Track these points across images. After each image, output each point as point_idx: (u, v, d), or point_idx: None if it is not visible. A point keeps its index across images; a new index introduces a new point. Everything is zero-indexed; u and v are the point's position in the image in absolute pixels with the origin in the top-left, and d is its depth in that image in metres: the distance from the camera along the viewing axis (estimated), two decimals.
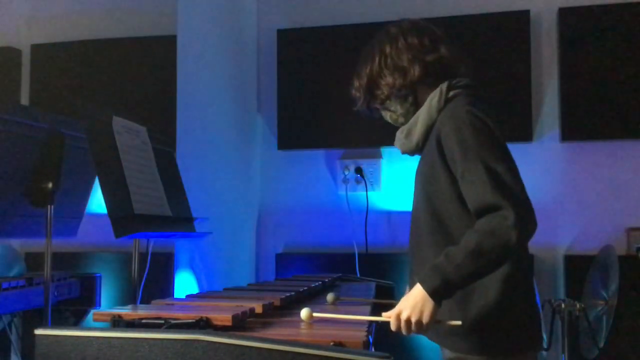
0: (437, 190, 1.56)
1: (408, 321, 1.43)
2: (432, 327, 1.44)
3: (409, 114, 1.67)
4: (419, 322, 1.42)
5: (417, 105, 1.66)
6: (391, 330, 1.47)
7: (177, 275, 3.04)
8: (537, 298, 2.03)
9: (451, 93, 1.61)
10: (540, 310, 2.31)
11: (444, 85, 1.61)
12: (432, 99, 1.61)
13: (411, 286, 1.67)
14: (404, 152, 1.73)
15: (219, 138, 3.14)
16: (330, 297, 1.84)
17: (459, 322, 1.46)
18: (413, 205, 1.68)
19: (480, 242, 1.40)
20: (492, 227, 1.40)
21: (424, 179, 1.62)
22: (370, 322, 1.51)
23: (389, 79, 1.65)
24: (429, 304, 1.42)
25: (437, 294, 1.42)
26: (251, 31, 3.43)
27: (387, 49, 1.67)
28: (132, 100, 3.56)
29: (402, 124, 1.71)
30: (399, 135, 1.72)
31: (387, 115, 1.73)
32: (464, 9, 3.31)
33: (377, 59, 1.68)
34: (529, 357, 1.58)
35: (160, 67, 3.53)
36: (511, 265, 1.50)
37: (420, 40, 1.65)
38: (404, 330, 1.44)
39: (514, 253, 1.43)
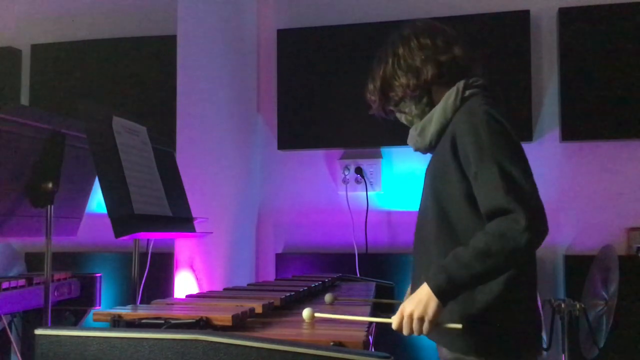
0: (447, 189, 1.54)
1: (410, 316, 1.41)
2: (433, 329, 1.43)
3: (424, 115, 1.66)
4: (421, 318, 1.40)
5: (432, 105, 1.65)
6: (392, 330, 1.45)
7: (177, 275, 3.04)
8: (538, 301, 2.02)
9: (468, 92, 1.59)
10: (541, 312, 2.30)
11: (460, 84, 1.60)
12: (449, 98, 1.60)
13: (413, 284, 1.66)
14: (416, 150, 1.72)
15: (219, 138, 3.14)
16: (328, 297, 1.83)
17: (459, 326, 1.44)
18: (421, 203, 1.67)
19: (489, 244, 1.38)
20: (502, 230, 1.38)
21: (433, 178, 1.60)
22: (371, 322, 1.51)
23: (403, 80, 1.64)
24: (434, 302, 1.40)
25: (442, 293, 1.40)
26: (251, 31, 3.43)
27: (400, 50, 1.66)
28: (132, 100, 3.56)
29: None
30: (412, 132, 1.70)
31: (403, 117, 1.72)
32: (464, 9, 3.31)
33: (390, 61, 1.67)
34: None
35: (160, 67, 3.53)
36: (515, 268, 1.48)
37: (433, 41, 1.64)
38: (405, 329, 1.42)
39: (524, 257, 1.42)
